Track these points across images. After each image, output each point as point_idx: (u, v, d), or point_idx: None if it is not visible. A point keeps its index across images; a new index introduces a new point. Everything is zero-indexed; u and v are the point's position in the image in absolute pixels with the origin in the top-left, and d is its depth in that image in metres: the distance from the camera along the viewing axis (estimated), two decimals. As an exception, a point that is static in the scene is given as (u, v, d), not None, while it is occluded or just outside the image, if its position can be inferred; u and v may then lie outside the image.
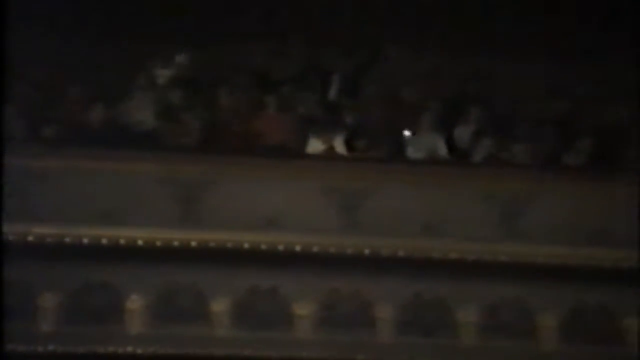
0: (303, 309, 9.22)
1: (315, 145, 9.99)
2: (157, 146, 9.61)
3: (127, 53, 10.30)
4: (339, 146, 10.09)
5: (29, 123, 9.32)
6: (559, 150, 10.04)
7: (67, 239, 9.04)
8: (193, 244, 9.13)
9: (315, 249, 9.23)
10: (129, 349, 9.21)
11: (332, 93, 10.44)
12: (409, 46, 10.49)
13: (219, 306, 9.21)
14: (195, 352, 9.20)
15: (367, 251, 9.18)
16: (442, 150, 9.99)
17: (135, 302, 9.16)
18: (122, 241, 9.19)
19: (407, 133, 9.88)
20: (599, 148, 9.88)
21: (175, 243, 9.12)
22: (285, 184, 9.52)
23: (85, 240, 9.02)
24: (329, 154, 9.98)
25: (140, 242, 9.08)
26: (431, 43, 10.53)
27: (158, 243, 9.13)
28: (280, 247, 9.24)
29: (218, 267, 9.19)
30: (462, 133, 10.19)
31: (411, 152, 10.05)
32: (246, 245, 9.17)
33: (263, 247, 9.19)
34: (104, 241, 9.08)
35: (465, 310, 9.29)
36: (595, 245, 9.33)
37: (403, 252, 9.29)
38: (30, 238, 9.01)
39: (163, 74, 9.89)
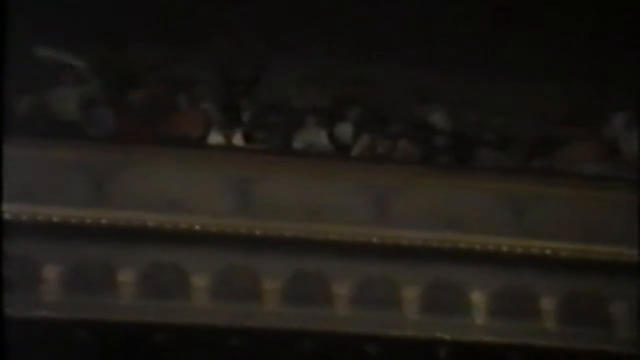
0: (201, 282, 9.25)
1: (216, 139, 9.93)
2: (75, 135, 9.39)
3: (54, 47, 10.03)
4: (237, 139, 9.98)
5: None
6: (428, 149, 10.12)
7: None
8: (104, 222, 9.09)
9: (212, 228, 9.24)
10: (44, 313, 8.94)
11: (232, 94, 10.37)
12: (298, 54, 10.42)
13: (125, 277, 9.14)
14: (103, 318, 9.05)
15: (258, 232, 9.23)
16: (325, 144, 9.97)
17: (50, 272, 8.98)
18: (39, 218, 9.05)
19: None
20: (459, 148, 10.04)
21: (88, 221, 9.07)
22: (187, 171, 9.48)
23: (7, 216, 8.65)
24: (226, 145, 9.86)
25: (55, 219, 9.01)
26: (318, 51, 10.43)
27: (72, 220, 9.06)
28: (182, 226, 9.21)
29: (125, 243, 9.16)
30: (343, 130, 10.14)
31: (297, 145, 10.01)
32: (151, 224, 9.14)
33: (166, 226, 9.17)
34: (24, 217, 8.93)
35: (340, 284, 9.30)
36: (453, 229, 9.43)
37: (289, 232, 9.31)
38: None
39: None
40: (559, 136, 10.25)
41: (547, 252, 9.32)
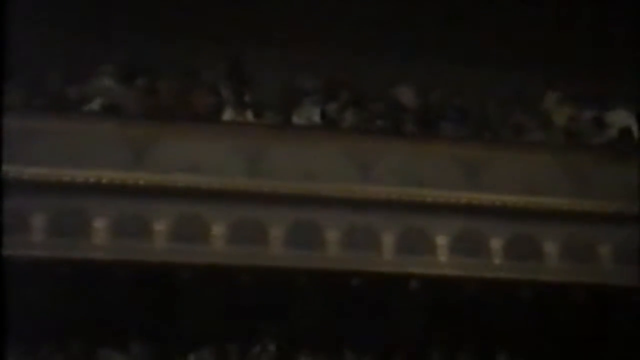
0: (218, 230, 9.63)
1: (230, 115, 10.23)
2: (118, 112, 9.88)
3: (98, 45, 10.27)
4: (248, 116, 10.28)
5: (27, 96, 9.58)
6: (401, 122, 10.51)
7: (52, 178, 9.27)
8: (141, 182, 9.57)
9: (228, 187, 9.65)
10: (94, 255, 9.38)
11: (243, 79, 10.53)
12: (297, 47, 10.60)
13: (159, 227, 9.53)
14: (141, 259, 9.41)
15: (264, 189, 9.69)
16: (318, 119, 10.36)
17: (100, 223, 9.43)
18: (91, 180, 9.42)
19: None
20: (425, 121, 10.44)
21: (129, 182, 9.54)
22: (208, 141, 9.80)
23: (67, 179, 9.33)
24: (239, 121, 10.18)
25: (104, 181, 9.47)
26: (313, 44, 10.68)
27: (117, 182, 9.52)
28: (204, 186, 9.59)
29: (159, 200, 9.56)
30: (332, 108, 10.47)
31: (296, 120, 10.32)
32: (179, 184, 9.57)
33: (191, 185, 9.59)
34: (79, 180, 9.36)
35: (330, 231, 9.69)
36: (421, 186, 9.88)
37: (289, 190, 9.68)
38: (25, 177, 9.19)
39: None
40: (506, 111, 10.55)
41: (496, 203, 9.85)
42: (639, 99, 10.36)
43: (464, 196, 9.85)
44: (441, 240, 9.85)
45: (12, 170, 8.80)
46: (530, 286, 9.78)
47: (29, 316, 8.88)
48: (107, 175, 9.46)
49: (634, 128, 10.36)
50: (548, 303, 9.92)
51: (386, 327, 10.10)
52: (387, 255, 9.80)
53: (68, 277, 9.34)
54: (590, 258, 9.85)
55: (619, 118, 10.42)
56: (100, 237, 9.44)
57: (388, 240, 9.82)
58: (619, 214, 9.76)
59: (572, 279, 9.74)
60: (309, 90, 10.52)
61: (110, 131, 9.63)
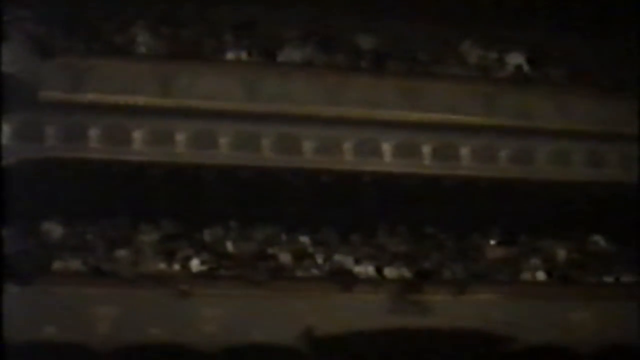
0: (224, 140, 10.91)
1: (230, 56, 11.61)
2: (150, 53, 11.12)
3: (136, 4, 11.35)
4: (244, 56, 11.58)
5: (86, 42, 10.86)
6: (356, 60, 11.72)
7: (103, 101, 10.60)
8: (167, 105, 10.88)
9: (232, 108, 10.98)
10: (133, 158, 10.63)
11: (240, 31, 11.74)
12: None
13: (180, 138, 10.86)
14: (169, 161, 10.70)
15: (258, 110, 11.00)
16: (297, 58, 11.64)
17: (137, 134, 10.70)
18: (129, 103, 10.72)
19: None
20: (379, 60, 11.79)
21: (158, 104, 10.85)
22: (216, 75, 11.16)
23: (113, 102, 10.71)
24: (237, 59, 11.49)
25: (140, 103, 10.83)
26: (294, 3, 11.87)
27: (149, 104, 10.81)
28: (214, 108, 10.94)
29: (180, 117, 10.92)
30: (307, 50, 11.68)
31: (280, 59, 11.64)
32: (195, 106, 10.85)
33: (204, 108, 10.93)
34: (122, 102, 10.76)
35: (307, 142, 11.04)
36: (375, 109, 11.17)
37: (273, 111, 10.98)
38: (85, 100, 10.49)
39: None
40: (434, 52, 12.09)
41: (426, 120, 11.57)
42: (528, 45, 12.28)
43: (404, 115, 11.47)
44: (387, 147, 11.45)
45: (75, 96, 10.61)
46: (450, 179, 11.55)
47: (89, 201, 10.59)
48: (142, 100, 10.86)
49: (524, 66, 12.21)
50: (464, 190, 11.52)
51: (347, 211, 11.54)
52: (348, 157, 11.38)
53: (116, 173, 10.76)
54: (494, 160, 11.66)
55: (514, 58, 12.25)
56: (138, 145, 10.87)
57: (348, 146, 11.39)
58: (515, 128, 11.67)
59: (479, 174, 11.56)
60: (290, 37, 11.90)
61: (144, 67, 11.04)
